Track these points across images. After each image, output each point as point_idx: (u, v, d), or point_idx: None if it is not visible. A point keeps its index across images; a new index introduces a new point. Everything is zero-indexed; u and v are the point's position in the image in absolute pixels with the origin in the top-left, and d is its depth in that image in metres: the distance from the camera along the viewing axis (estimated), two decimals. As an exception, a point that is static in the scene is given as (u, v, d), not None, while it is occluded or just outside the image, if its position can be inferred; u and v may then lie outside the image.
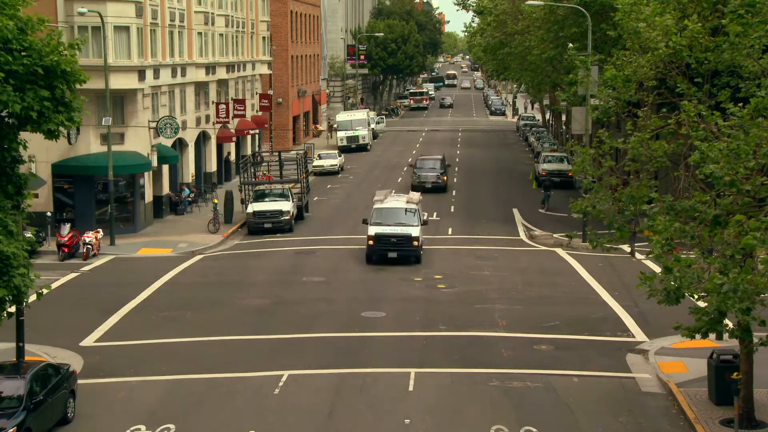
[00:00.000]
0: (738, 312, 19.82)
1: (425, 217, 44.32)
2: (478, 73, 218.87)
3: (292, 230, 50.17)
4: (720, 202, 21.61)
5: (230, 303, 35.48)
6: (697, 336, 21.58)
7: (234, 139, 67.12)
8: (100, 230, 45.21)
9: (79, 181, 47.73)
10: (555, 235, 47.70)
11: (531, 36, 60.86)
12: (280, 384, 26.24)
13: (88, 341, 30.77)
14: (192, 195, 56.95)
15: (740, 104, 22.12)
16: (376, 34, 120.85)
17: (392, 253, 41.11)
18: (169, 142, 53.20)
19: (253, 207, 50.33)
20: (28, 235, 26.17)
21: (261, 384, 26.34)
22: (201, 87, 61.15)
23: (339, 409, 24.48)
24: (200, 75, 59.83)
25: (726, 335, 22.22)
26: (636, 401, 25.11)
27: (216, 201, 53.65)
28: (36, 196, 42.22)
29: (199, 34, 59.88)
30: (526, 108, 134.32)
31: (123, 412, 24.37)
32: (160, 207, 53.52)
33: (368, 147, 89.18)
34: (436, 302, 35.37)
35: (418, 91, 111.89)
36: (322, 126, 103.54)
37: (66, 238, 42.77)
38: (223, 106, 62.73)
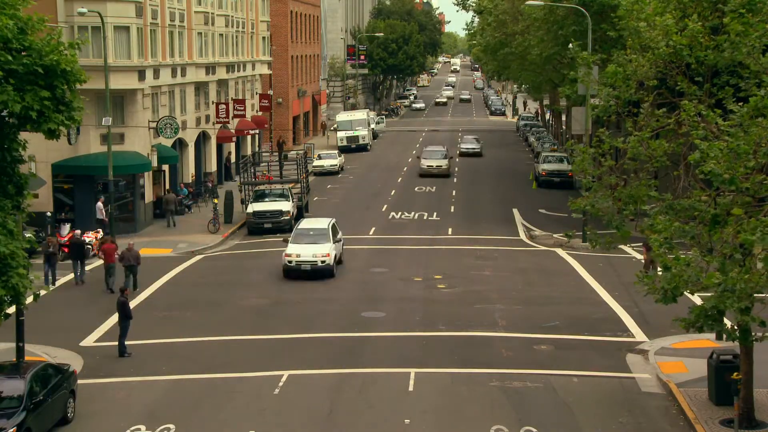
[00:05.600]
0: (737, 312, 19.82)
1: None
2: (478, 73, 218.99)
3: (292, 230, 50.08)
4: (719, 201, 21.60)
5: (230, 303, 35.48)
6: (692, 330, 21.55)
7: (234, 139, 67.10)
8: (100, 230, 45.23)
9: (79, 181, 47.72)
10: (555, 235, 47.69)
11: (531, 36, 60.88)
12: (280, 384, 26.24)
13: (88, 341, 30.78)
14: (189, 195, 56.85)
15: (740, 104, 22.11)
16: (377, 35, 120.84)
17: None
18: (169, 142, 53.20)
19: (253, 207, 50.32)
20: (28, 235, 26.10)
21: (261, 384, 26.35)
22: (201, 87, 61.14)
23: (339, 409, 24.48)
24: (200, 75, 59.82)
25: (724, 336, 22.20)
26: (636, 401, 25.12)
27: (216, 201, 53.65)
28: (36, 196, 42.31)
29: (199, 34, 59.87)
30: (525, 104, 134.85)
31: (123, 412, 24.37)
32: (161, 207, 53.48)
33: (368, 147, 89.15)
34: (436, 302, 35.36)
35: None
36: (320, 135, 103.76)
37: (66, 238, 42.76)
38: (223, 106, 62.71)
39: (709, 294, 20.66)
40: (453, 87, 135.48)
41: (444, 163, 71.12)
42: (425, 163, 71.07)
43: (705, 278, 20.05)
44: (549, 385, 26.20)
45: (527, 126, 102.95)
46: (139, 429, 23.22)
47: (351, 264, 42.26)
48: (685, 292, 21.32)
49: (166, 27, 53.90)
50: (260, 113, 76.16)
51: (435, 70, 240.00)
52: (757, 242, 18.99)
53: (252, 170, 56.41)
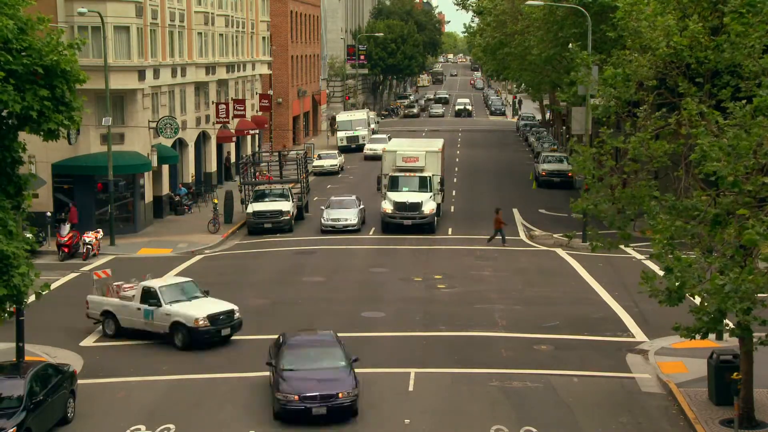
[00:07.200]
0: (739, 312, 19.81)
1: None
2: (478, 73, 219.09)
3: (292, 230, 50.17)
4: (720, 201, 21.61)
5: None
6: (697, 336, 21.59)
7: (234, 139, 67.10)
8: (100, 230, 45.22)
9: (79, 181, 47.72)
10: (555, 235, 47.68)
11: (530, 36, 60.88)
12: (280, 384, 26.20)
13: (88, 341, 30.78)
14: (189, 194, 56.85)
15: (744, 101, 22.09)
16: (376, 35, 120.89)
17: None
18: (169, 142, 53.20)
19: (253, 207, 50.33)
20: (29, 235, 26.08)
21: (261, 384, 26.33)
22: (201, 87, 61.14)
23: (339, 409, 24.44)
24: (200, 75, 59.83)
25: (726, 335, 22.21)
26: (636, 401, 25.12)
27: (216, 201, 53.64)
28: (36, 196, 42.33)
29: (199, 34, 59.88)
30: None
31: (123, 412, 24.37)
32: (160, 207, 53.51)
33: None
34: (436, 302, 35.36)
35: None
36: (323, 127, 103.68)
37: (66, 238, 42.77)
38: (223, 106, 62.71)
39: (708, 295, 20.63)
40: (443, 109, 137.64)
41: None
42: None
43: (709, 281, 20.03)
44: (549, 385, 26.20)
45: (527, 126, 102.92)
46: (139, 429, 23.22)
47: (351, 264, 42.27)
48: (688, 294, 21.34)
49: (166, 27, 53.90)
50: (260, 113, 76.15)
51: (438, 69, 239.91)
52: (761, 241, 18.98)
53: (252, 170, 56.40)
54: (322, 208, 51.43)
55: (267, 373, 26.93)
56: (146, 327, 30.18)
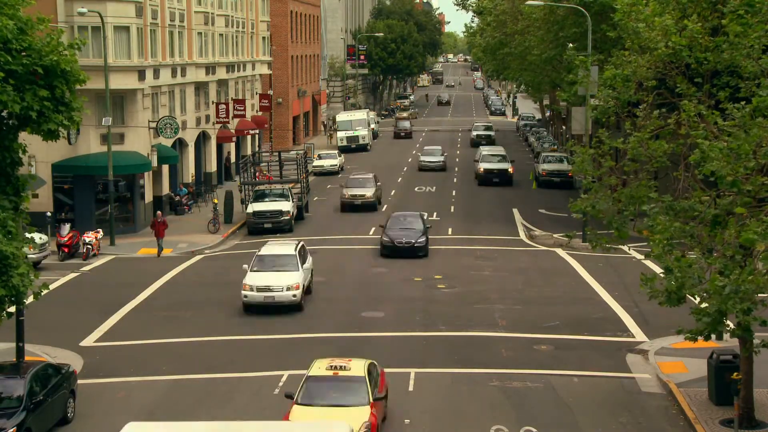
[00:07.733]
0: (739, 313, 19.81)
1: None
2: (478, 73, 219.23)
3: (292, 230, 50.15)
4: (720, 202, 21.61)
5: (230, 303, 35.44)
6: (699, 338, 21.59)
7: (234, 139, 67.11)
8: (100, 230, 45.23)
9: (79, 181, 47.73)
10: (555, 235, 47.68)
11: (531, 36, 60.88)
12: (280, 384, 26.24)
13: (88, 341, 30.78)
14: (189, 195, 56.85)
15: (743, 102, 22.09)
16: (376, 35, 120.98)
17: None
18: (169, 142, 53.21)
19: (253, 207, 50.34)
20: (29, 235, 26.05)
21: (261, 384, 26.35)
22: (201, 87, 61.14)
23: (339, 409, 24.44)
24: (200, 75, 59.83)
25: (727, 336, 22.21)
26: (636, 401, 25.13)
27: (216, 201, 53.65)
28: (36, 196, 42.37)
29: (199, 34, 59.88)
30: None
31: (123, 412, 24.35)
32: (160, 207, 53.46)
33: (368, 147, 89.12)
34: (436, 302, 35.36)
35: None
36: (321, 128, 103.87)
37: (66, 238, 42.77)
38: (223, 106, 62.72)
39: (708, 296, 20.63)
40: None
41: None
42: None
43: (708, 282, 20.03)
44: (549, 385, 26.21)
45: (527, 126, 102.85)
46: (139, 429, 23.20)
47: (351, 264, 42.27)
48: (688, 295, 21.34)
49: (166, 27, 53.91)
50: (260, 113, 76.16)
51: (438, 68, 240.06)
52: (759, 240, 18.98)
53: (252, 170, 56.42)
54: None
55: (267, 373, 27.01)
56: None
